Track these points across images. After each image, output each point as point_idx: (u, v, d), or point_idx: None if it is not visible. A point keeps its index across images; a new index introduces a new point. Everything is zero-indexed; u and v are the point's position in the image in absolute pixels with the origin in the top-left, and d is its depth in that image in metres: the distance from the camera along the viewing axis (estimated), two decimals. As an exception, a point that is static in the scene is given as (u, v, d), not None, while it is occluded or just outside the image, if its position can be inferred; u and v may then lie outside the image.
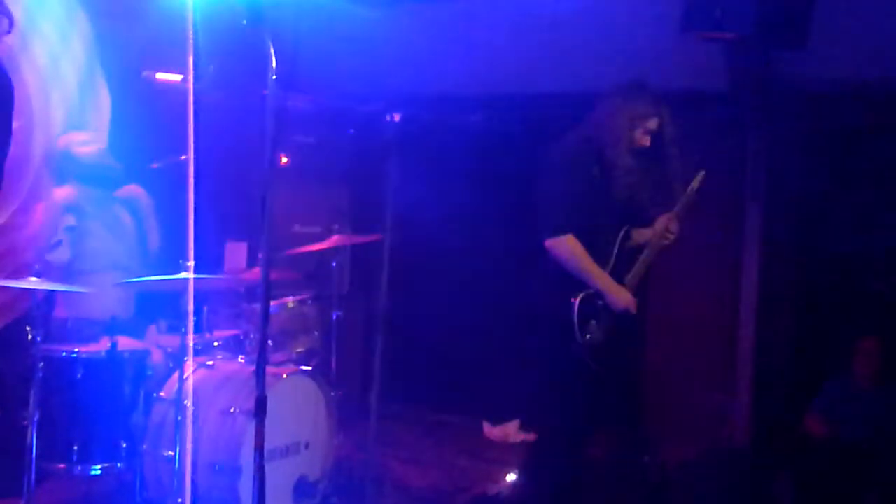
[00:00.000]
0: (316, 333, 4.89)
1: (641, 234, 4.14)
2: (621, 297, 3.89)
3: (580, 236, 3.85)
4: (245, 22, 2.59)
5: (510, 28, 5.83)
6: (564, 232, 3.83)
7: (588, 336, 3.86)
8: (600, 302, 3.93)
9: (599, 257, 3.91)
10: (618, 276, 3.97)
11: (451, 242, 6.67)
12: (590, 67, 5.76)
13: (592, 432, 4.17)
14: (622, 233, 4.04)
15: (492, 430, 6.39)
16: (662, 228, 4.11)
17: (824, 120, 5.78)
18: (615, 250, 3.98)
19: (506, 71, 5.93)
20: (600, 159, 3.91)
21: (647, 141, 3.97)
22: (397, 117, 4.41)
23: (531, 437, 4.39)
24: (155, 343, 4.54)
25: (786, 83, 5.67)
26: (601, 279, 3.87)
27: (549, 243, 3.86)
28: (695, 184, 4.12)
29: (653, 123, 3.98)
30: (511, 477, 5.12)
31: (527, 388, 4.64)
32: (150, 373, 4.31)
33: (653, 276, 6.16)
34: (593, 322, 3.88)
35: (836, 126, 5.79)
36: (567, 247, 3.84)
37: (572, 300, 3.85)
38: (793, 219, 5.96)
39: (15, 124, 5.06)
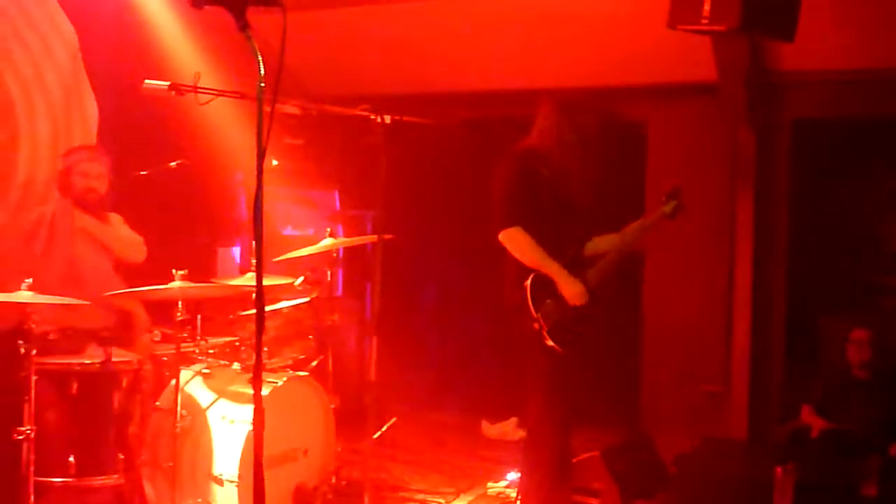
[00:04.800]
0: (311, 338, 4.87)
1: (604, 241, 4.28)
2: (570, 284, 4.01)
3: (534, 234, 4.01)
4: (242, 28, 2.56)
5: (497, 26, 5.82)
6: (512, 224, 4.01)
7: (540, 313, 3.98)
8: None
9: (552, 252, 4.04)
10: (574, 273, 4.07)
11: (443, 242, 6.67)
12: (578, 63, 5.76)
13: (573, 422, 4.19)
14: (577, 236, 4.21)
15: (490, 429, 6.38)
16: (631, 235, 4.27)
17: (813, 110, 5.80)
18: (568, 253, 4.12)
19: (492, 68, 5.93)
20: (547, 164, 4.09)
21: (571, 139, 4.12)
22: (387, 119, 4.41)
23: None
24: (149, 353, 4.51)
25: (774, 74, 5.68)
26: (551, 266, 4.02)
27: (501, 236, 4.05)
28: (666, 209, 4.26)
29: (582, 128, 4.13)
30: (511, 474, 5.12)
31: (523, 385, 4.65)
32: (145, 383, 4.27)
33: (648, 268, 6.21)
34: (549, 301, 4.01)
35: (824, 116, 5.80)
36: (515, 237, 4.02)
37: (524, 283, 4.01)
38: (784, 209, 5.97)
39: (-1, 137, 5.04)
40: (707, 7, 4.44)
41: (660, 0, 4.32)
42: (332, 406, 4.56)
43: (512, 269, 4.10)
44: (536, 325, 3.99)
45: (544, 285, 4.02)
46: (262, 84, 2.60)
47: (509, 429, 6.32)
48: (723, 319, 5.94)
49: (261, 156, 2.61)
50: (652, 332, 6.23)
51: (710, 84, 5.71)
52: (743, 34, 4.74)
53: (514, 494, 4.90)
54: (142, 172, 5.14)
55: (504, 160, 4.15)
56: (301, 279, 4.99)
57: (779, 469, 4.50)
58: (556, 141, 4.09)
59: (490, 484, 5.16)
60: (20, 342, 3.99)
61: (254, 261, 4.79)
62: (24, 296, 3.98)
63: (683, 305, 6.03)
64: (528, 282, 4.02)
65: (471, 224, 6.33)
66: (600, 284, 4.16)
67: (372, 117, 4.62)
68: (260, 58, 2.57)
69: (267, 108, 2.67)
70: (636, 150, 6.26)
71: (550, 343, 3.99)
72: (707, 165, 5.98)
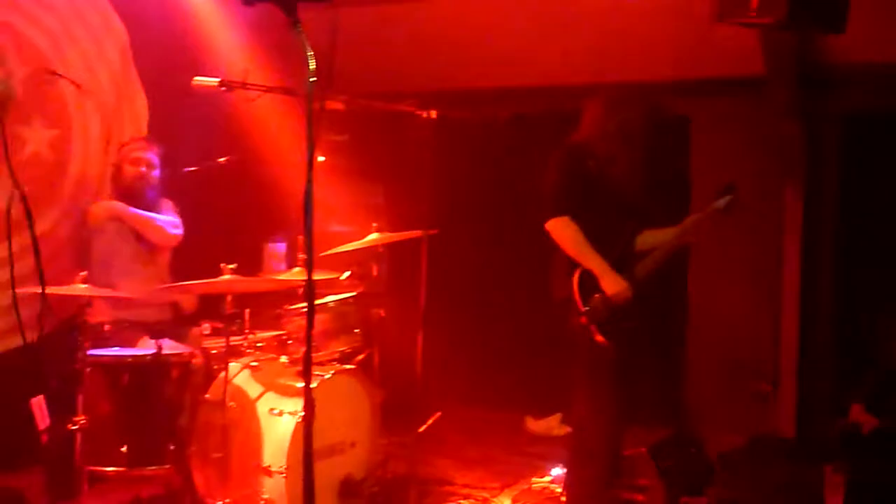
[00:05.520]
0: (357, 332, 4.90)
1: (657, 235, 4.23)
2: (612, 281, 3.98)
3: (582, 224, 4.01)
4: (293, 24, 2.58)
5: (543, 20, 5.81)
6: (560, 214, 4.01)
7: (588, 308, 3.96)
8: None
9: (601, 247, 4.03)
10: (622, 269, 4.05)
11: (489, 237, 6.67)
12: (623, 58, 5.73)
13: (623, 417, 4.17)
14: (628, 230, 4.19)
15: (534, 425, 6.38)
16: (689, 228, 4.22)
17: (863, 104, 5.71)
18: (618, 247, 4.11)
19: (539, 64, 5.91)
20: (596, 158, 4.08)
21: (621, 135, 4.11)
22: (433, 114, 4.43)
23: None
24: (199, 345, 4.58)
25: (823, 68, 5.60)
26: (594, 261, 4.00)
27: (548, 225, 4.04)
28: (719, 204, 4.20)
29: (631, 123, 4.12)
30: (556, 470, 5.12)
31: (568, 381, 4.65)
32: (195, 376, 4.33)
33: (694, 267, 6.16)
34: (597, 296, 3.99)
35: (877, 111, 5.71)
36: (563, 227, 4.01)
37: (572, 277, 4.01)
38: (833, 205, 5.89)
39: (52, 133, 5.15)
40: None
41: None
42: (379, 399, 4.59)
43: (560, 262, 4.10)
44: (584, 320, 3.98)
45: (592, 280, 4.00)
46: (313, 78, 2.62)
47: (553, 424, 6.30)
48: (771, 316, 5.87)
49: (311, 151, 2.63)
50: (698, 327, 6.18)
51: (757, 78, 5.64)
52: (791, 27, 4.68)
53: (558, 490, 4.91)
54: (190, 168, 5.22)
55: (555, 153, 4.15)
56: (347, 274, 5.03)
57: (828, 468, 4.45)
58: (604, 136, 4.09)
59: (534, 479, 5.16)
60: (74, 333, 4.08)
61: (301, 256, 4.88)
62: (79, 288, 4.06)
63: (730, 301, 5.96)
64: (576, 276, 4.02)
65: (516, 219, 6.35)
66: (649, 279, 4.13)
67: (418, 113, 4.66)
68: (311, 53, 2.60)
69: (316, 104, 2.70)
70: (681, 146, 6.21)
71: (598, 338, 3.98)
72: (754, 161, 5.91)
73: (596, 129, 4.12)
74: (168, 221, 4.87)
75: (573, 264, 4.03)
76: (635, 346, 4.12)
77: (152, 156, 4.84)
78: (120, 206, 4.76)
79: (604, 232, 4.05)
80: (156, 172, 4.84)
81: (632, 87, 4.45)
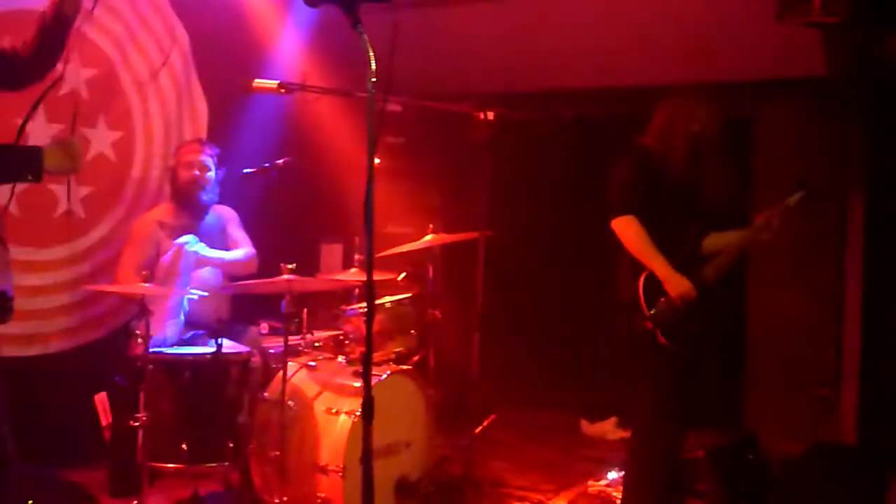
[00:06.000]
0: (413, 333, 4.92)
1: (725, 237, 4.17)
2: (676, 282, 3.93)
3: (648, 225, 3.97)
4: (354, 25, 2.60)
5: (600, 21, 5.77)
6: (626, 212, 3.98)
7: (654, 312, 3.92)
8: None
9: (667, 248, 3.98)
10: (688, 269, 3.99)
11: (546, 239, 6.65)
12: (683, 58, 5.67)
13: (687, 422, 4.13)
14: (695, 230, 4.13)
15: (589, 428, 6.34)
16: (760, 226, 4.14)
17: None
18: (685, 246, 4.06)
19: (598, 65, 5.87)
20: (665, 159, 4.05)
21: (694, 130, 4.06)
22: (491, 115, 4.43)
23: (628, 434, 4.38)
24: (257, 344, 4.63)
25: (889, 68, 5.48)
26: (657, 262, 3.95)
27: (614, 223, 4.01)
28: (791, 201, 4.14)
29: (703, 125, 4.07)
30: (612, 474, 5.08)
31: (624, 384, 4.62)
32: (253, 374, 4.39)
33: (754, 270, 6.07)
34: (663, 300, 3.95)
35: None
36: (628, 225, 3.97)
37: (638, 280, 3.97)
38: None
39: (116, 135, 5.25)
40: (818, -1, 4.34)
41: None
42: (434, 400, 4.60)
43: (625, 265, 4.06)
44: (650, 325, 3.93)
45: (657, 283, 3.96)
46: (374, 80, 2.63)
47: (608, 428, 6.26)
48: (832, 320, 5.77)
49: (371, 153, 2.65)
50: (757, 331, 6.08)
51: (819, 79, 5.54)
52: (856, 27, 4.59)
53: (615, 494, 4.87)
54: (249, 170, 5.27)
55: (624, 154, 4.12)
56: (403, 275, 5.05)
57: (892, 476, 4.36)
58: (673, 137, 4.05)
59: (591, 482, 5.12)
60: (136, 333, 4.16)
61: (358, 256, 4.91)
62: (142, 288, 4.13)
63: (791, 305, 5.86)
64: (642, 279, 3.97)
65: (575, 221, 6.31)
66: (717, 282, 4.07)
67: (475, 114, 4.66)
68: (371, 54, 2.61)
69: (376, 106, 2.71)
70: (744, 148, 6.12)
71: (663, 341, 3.93)
72: (816, 163, 5.81)
73: (665, 130, 4.08)
74: (246, 255, 4.89)
75: (638, 267, 3.99)
76: (700, 351, 4.07)
77: (207, 158, 4.81)
78: (201, 253, 4.67)
79: (669, 233, 4.01)
80: (210, 174, 4.83)
81: (694, 87, 4.38)
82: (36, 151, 3.09)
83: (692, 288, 3.95)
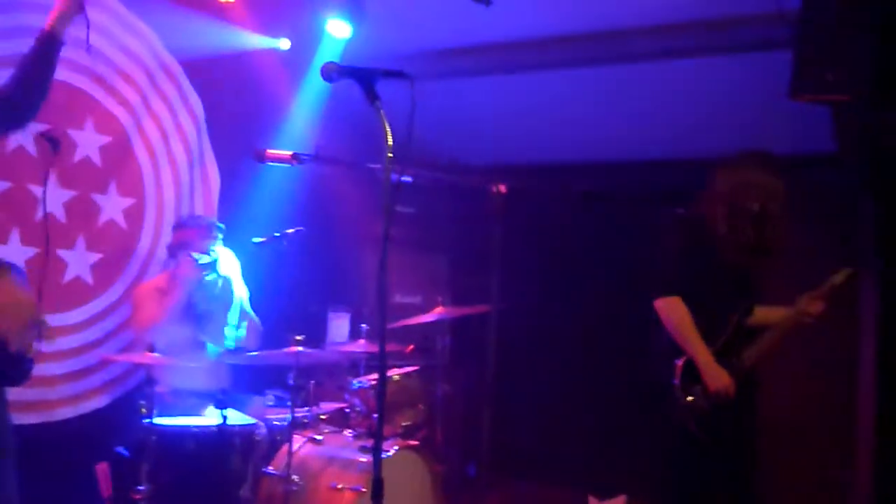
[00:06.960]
0: (421, 407, 4.84)
1: (769, 313, 4.04)
2: (715, 375, 3.77)
3: (692, 306, 3.80)
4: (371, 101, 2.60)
5: (613, 96, 5.80)
6: (672, 293, 3.82)
7: (691, 399, 3.77)
8: None
9: (709, 332, 3.83)
10: (730, 352, 3.86)
11: (559, 313, 6.60)
12: (695, 134, 5.69)
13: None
14: (741, 309, 3.95)
15: (598, 506, 6.22)
16: (803, 307, 4.01)
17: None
18: (730, 327, 3.90)
19: (610, 139, 5.89)
20: (715, 233, 3.88)
21: (754, 208, 3.89)
22: (503, 188, 4.42)
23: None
24: (262, 415, 4.56)
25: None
26: (700, 353, 3.78)
27: (659, 303, 3.84)
28: (838, 278, 4.03)
29: (760, 193, 3.91)
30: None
31: (635, 462, 4.52)
32: (258, 447, 4.31)
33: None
34: (699, 387, 3.79)
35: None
36: (673, 307, 3.81)
37: (676, 362, 3.80)
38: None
39: (127, 202, 5.24)
40: (831, 75, 4.33)
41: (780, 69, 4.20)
42: (441, 475, 4.51)
43: (662, 344, 3.88)
44: (684, 410, 3.77)
45: (695, 369, 3.79)
46: (391, 155, 2.63)
47: (618, 506, 6.14)
48: (846, 404, 5.68)
49: (387, 224, 2.64)
50: (769, 414, 5.99)
51: (830, 154, 5.54)
52: (868, 102, 4.59)
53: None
54: (259, 239, 5.25)
55: (674, 227, 4.00)
56: (411, 347, 5.00)
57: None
58: (735, 213, 3.86)
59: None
60: (140, 402, 4.09)
61: (364, 326, 4.86)
62: (148, 357, 4.09)
63: (803, 387, 5.79)
64: (681, 363, 3.80)
65: (588, 295, 6.26)
66: (758, 364, 3.93)
67: (488, 186, 4.66)
68: (388, 129, 2.61)
69: (390, 178, 2.71)
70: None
71: (694, 429, 3.78)
72: (828, 239, 5.78)
73: (722, 202, 3.90)
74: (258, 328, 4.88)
75: (677, 350, 3.82)
76: (737, 439, 3.91)
77: (211, 245, 4.72)
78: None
79: (715, 314, 3.85)
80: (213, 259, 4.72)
81: (753, 154, 4.22)
82: None
83: (731, 384, 3.78)
